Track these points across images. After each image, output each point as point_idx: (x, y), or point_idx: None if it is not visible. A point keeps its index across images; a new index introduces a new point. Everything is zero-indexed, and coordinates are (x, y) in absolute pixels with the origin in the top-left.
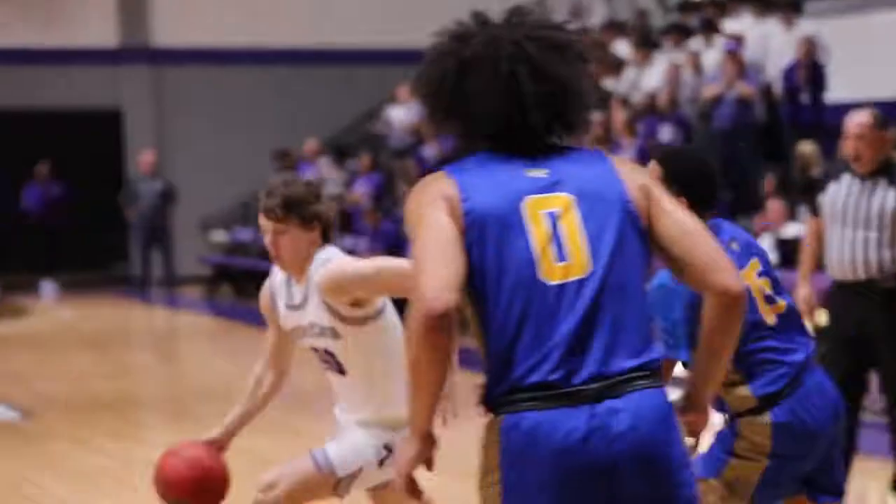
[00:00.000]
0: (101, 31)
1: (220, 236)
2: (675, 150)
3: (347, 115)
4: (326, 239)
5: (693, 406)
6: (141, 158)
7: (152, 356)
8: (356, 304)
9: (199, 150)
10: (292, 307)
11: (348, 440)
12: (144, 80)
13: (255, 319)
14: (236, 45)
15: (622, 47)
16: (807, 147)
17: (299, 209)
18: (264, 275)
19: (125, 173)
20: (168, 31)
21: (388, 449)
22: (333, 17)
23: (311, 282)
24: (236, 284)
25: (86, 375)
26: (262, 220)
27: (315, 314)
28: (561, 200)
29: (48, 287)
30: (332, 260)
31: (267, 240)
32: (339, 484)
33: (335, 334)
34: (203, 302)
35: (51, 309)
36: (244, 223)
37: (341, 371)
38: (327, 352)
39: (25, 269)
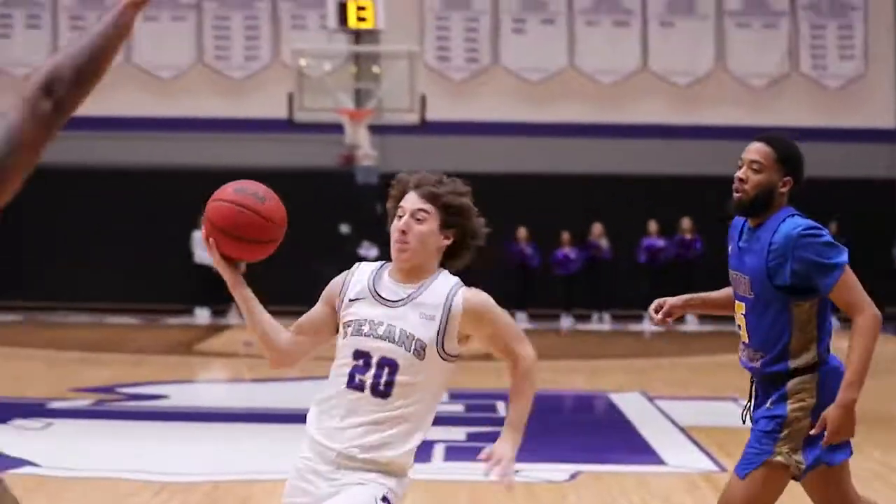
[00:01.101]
0: (882, 113)
1: None
2: (780, 135)
3: None
4: (449, 258)
5: None
6: None
7: None
8: (464, 340)
9: None
10: (379, 300)
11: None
12: None
13: None
14: None
15: None
16: None
17: (453, 209)
18: None
19: None
20: None
21: (386, 500)
22: None
23: (431, 291)
24: None
25: None
26: (412, 197)
27: (412, 322)
28: None
29: None
30: (470, 287)
31: (401, 221)
32: None
33: (420, 353)
34: None
35: None
36: None
37: (385, 392)
38: (388, 363)
39: None
